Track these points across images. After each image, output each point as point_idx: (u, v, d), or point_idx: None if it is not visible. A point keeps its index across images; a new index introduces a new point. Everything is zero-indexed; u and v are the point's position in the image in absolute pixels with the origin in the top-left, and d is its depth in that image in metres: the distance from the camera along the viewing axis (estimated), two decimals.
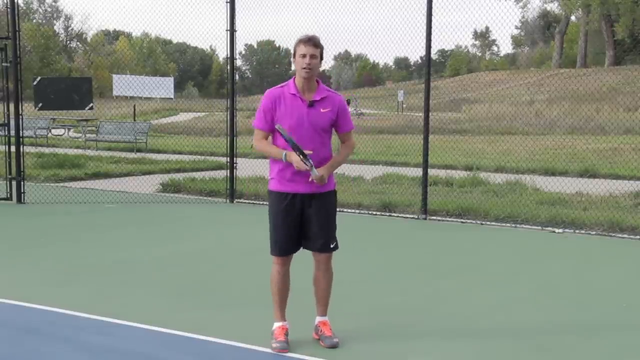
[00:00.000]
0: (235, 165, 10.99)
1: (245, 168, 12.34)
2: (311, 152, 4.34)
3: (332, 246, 4.57)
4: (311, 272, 4.68)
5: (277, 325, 4.58)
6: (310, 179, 4.36)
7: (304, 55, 4.33)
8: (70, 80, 19.11)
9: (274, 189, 4.50)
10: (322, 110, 4.42)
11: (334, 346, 4.49)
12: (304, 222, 4.48)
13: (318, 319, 4.69)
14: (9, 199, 10.58)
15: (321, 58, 4.42)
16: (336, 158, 4.52)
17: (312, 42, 4.35)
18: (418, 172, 10.23)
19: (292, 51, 4.46)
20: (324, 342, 4.54)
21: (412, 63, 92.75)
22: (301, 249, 4.62)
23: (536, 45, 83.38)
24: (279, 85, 4.51)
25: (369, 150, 17.37)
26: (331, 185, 4.56)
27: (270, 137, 4.50)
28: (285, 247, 4.50)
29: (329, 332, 4.59)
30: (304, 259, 4.69)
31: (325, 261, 4.60)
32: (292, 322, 4.65)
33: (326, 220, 4.52)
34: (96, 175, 13.76)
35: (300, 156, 4.28)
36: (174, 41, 79.00)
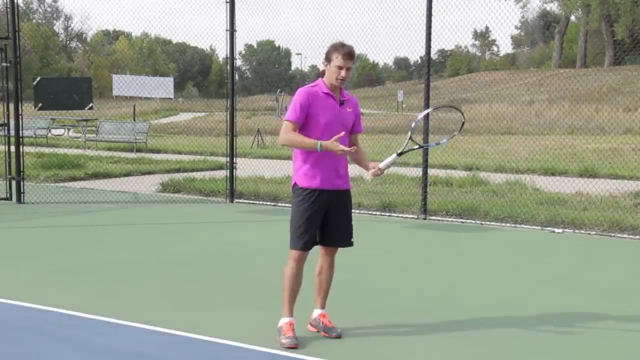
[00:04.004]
0: (235, 165, 11.00)
1: (245, 168, 12.35)
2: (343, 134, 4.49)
3: (353, 240, 4.78)
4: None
5: (285, 320, 4.62)
6: (368, 176, 4.65)
7: (340, 67, 4.50)
8: (70, 80, 19.11)
9: (303, 185, 4.59)
10: (348, 109, 4.65)
11: (339, 336, 4.64)
12: (327, 218, 4.61)
13: (318, 311, 4.79)
14: (9, 199, 10.58)
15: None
16: (365, 158, 4.77)
17: (350, 56, 4.50)
18: (418, 172, 10.24)
19: (326, 55, 4.55)
20: (330, 333, 4.66)
21: (411, 63, 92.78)
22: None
23: (536, 45, 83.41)
24: (311, 85, 4.66)
25: (369, 150, 17.30)
26: (349, 183, 4.78)
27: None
28: (310, 242, 4.61)
29: (331, 324, 4.72)
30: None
31: (333, 255, 4.77)
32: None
33: (348, 216, 4.74)
34: (96, 176, 13.76)
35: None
36: (174, 41, 78.97)
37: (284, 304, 4.65)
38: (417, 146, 4.72)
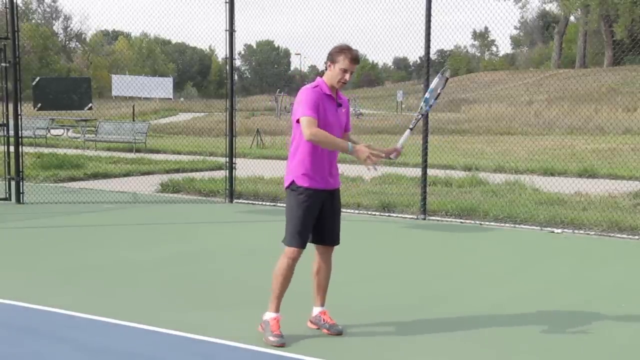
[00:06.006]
0: (234, 165, 11.00)
1: (244, 168, 12.36)
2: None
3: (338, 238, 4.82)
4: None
5: (272, 316, 4.63)
6: (393, 155, 4.68)
7: (345, 71, 4.51)
8: (69, 81, 19.10)
9: (304, 185, 4.57)
10: (343, 110, 4.70)
11: (341, 333, 4.69)
12: (319, 217, 4.64)
13: (319, 309, 4.81)
14: (8, 199, 10.58)
15: None
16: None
17: (357, 60, 4.54)
18: (417, 172, 10.23)
19: (331, 56, 4.53)
20: (331, 330, 4.70)
21: (411, 63, 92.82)
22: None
23: (535, 46, 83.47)
24: (313, 86, 4.60)
25: None
26: (339, 182, 4.80)
27: None
28: (306, 240, 4.65)
29: (332, 321, 4.76)
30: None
31: (330, 253, 4.81)
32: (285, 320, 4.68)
33: (338, 214, 4.77)
34: (95, 176, 13.77)
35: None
36: (173, 41, 79.11)
37: (273, 300, 4.66)
38: (420, 115, 4.81)
